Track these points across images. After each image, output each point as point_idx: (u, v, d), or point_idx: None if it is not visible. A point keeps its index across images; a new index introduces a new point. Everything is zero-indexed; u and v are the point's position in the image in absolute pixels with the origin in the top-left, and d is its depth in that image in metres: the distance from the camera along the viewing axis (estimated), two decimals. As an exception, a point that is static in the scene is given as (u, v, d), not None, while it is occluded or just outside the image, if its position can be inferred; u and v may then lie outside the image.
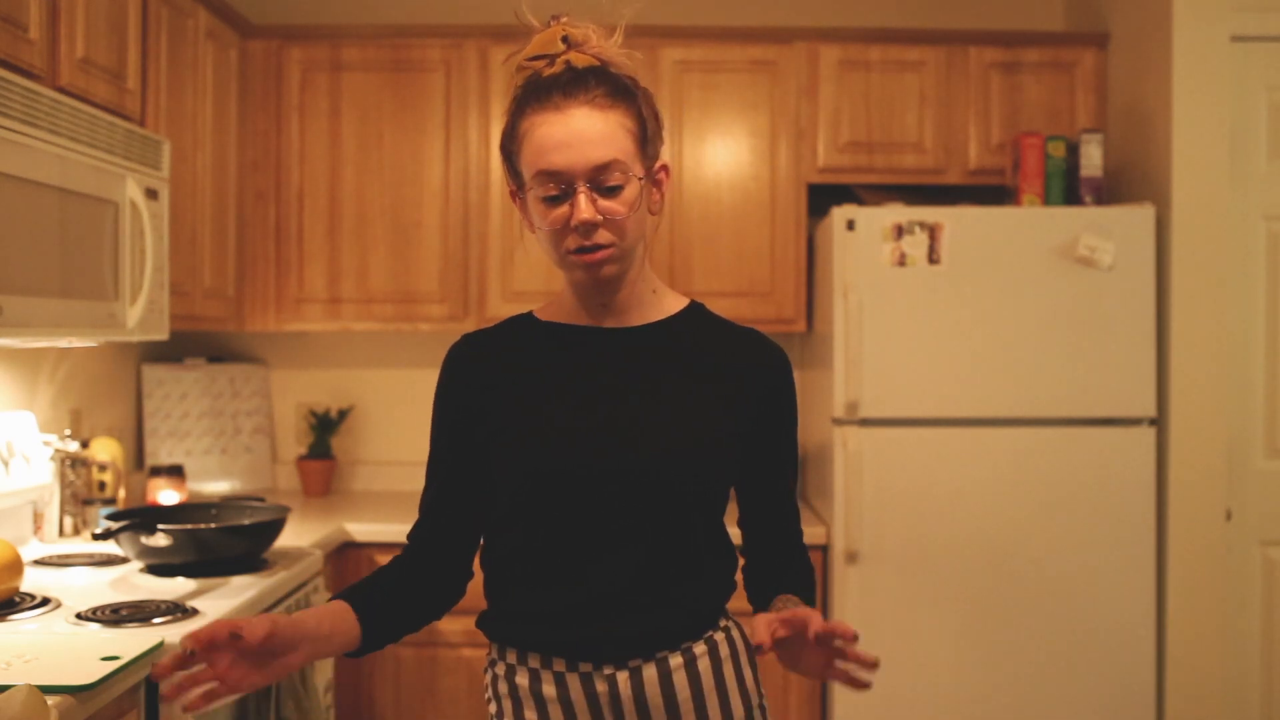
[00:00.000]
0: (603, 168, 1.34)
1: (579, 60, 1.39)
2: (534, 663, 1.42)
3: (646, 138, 1.40)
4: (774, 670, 3.04)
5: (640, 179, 1.38)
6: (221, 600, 2.13)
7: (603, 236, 1.36)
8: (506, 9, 3.67)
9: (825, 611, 3.07)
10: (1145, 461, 2.97)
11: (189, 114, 2.89)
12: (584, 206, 1.34)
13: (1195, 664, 2.97)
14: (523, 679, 1.43)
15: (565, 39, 1.40)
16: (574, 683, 1.40)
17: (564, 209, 1.35)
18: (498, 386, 1.45)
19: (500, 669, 1.46)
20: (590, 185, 1.34)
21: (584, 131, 1.34)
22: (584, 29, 1.41)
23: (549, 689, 1.41)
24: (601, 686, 1.39)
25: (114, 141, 2.32)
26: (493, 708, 1.48)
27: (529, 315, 1.53)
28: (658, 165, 1.44)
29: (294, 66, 3.37)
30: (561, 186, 1.35)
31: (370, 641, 1.41)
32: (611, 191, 1.35)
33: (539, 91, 1.38)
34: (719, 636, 1.47)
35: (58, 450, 2.75)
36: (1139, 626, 2.96)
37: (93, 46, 2.34)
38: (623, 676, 1.39)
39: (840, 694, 2.98)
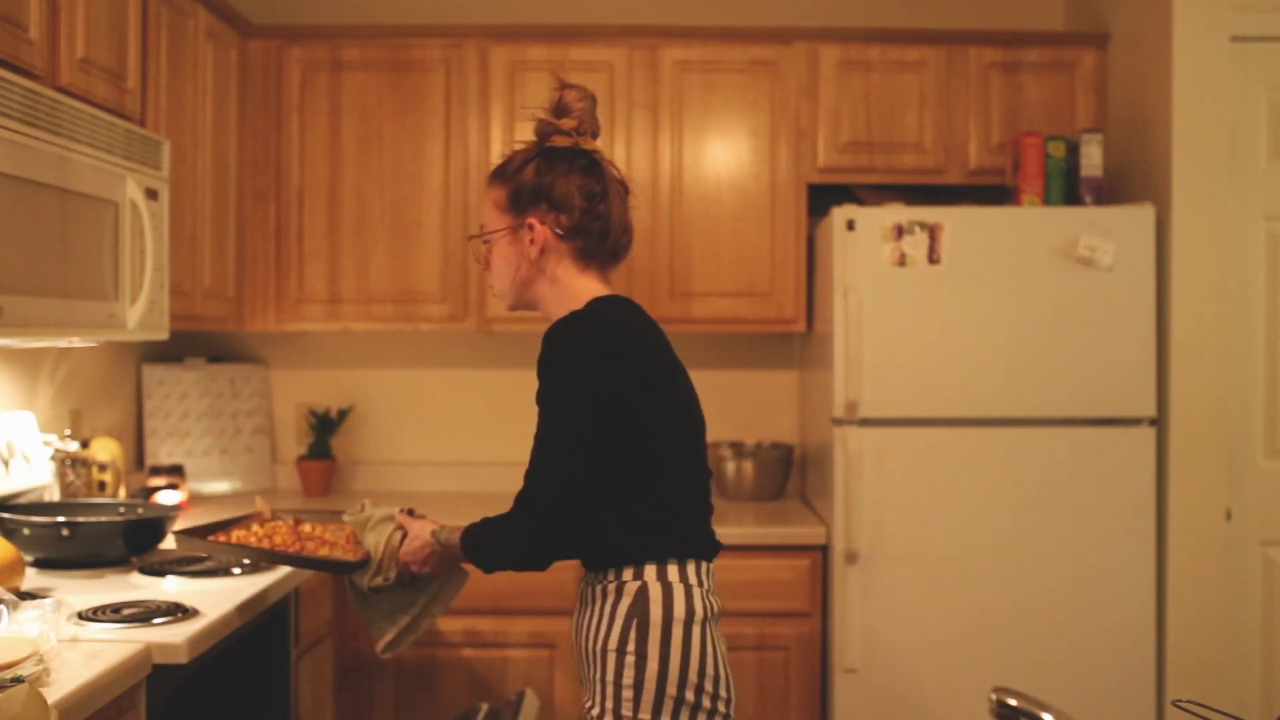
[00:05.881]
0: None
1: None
2: None
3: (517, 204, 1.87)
4: (775, 670, 3.04)
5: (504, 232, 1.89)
6: (222, 599, 2.13)
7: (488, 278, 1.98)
8: (506, 9, 3.70)
9: (825, 611, 3.07)
10: (1145, 461, 2.97)
11: (189, 114, 2.89)
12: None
13: (1195, 664, 2.97)
14: None
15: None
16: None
17: None
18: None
19: None
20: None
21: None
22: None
23: None
24: None
25: (114, 141, 2.32)
26: None
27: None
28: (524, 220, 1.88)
29: (294, 66, 3.37)
30: None
31: None
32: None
33: None
34: None
35: (58, 450, 2.75)
36: (1139, 626, 2.96)
37: (93, 46, 2.34)
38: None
39: (840, 694, 2.98)
